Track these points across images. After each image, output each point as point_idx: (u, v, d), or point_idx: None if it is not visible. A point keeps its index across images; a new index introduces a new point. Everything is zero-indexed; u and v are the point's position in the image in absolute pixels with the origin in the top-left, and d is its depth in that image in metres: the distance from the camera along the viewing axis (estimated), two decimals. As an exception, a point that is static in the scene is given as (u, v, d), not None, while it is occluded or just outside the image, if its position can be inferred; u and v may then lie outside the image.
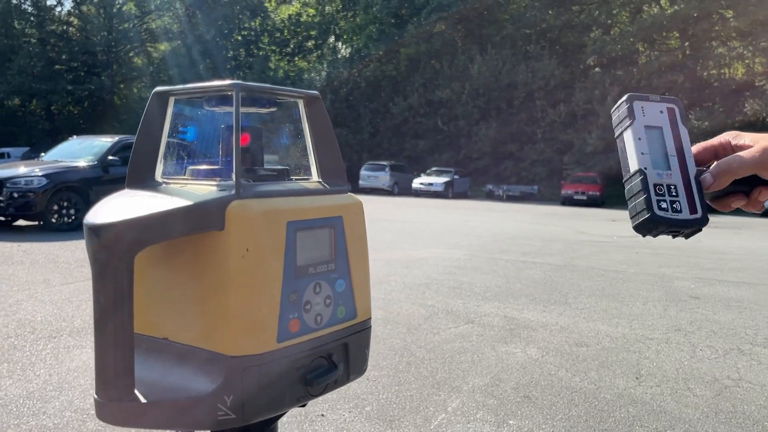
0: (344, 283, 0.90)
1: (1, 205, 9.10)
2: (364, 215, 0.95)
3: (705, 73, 29.49)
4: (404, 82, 34.68)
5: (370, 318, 0.96)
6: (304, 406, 0.89)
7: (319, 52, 40.69)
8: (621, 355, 4.03)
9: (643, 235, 0.77)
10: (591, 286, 6.35)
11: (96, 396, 0.77)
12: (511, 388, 3.36)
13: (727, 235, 13.09)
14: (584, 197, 24.00)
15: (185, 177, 0.91)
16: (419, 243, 9.52)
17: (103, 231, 0.74)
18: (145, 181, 0.90)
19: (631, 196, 0.76)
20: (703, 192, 0.76)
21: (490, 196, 27.43)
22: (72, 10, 44.74)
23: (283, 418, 2.84)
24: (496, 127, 31.10)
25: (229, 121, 0.86)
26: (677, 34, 30.38)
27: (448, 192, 26.42)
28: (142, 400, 0.77)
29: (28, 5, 43.58)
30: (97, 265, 0.75)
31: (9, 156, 32.01)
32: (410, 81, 34.40)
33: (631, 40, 30.36)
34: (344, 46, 37.86)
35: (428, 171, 28.60)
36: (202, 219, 0.77)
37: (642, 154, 0.77)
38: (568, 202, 24.21)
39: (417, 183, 27.01)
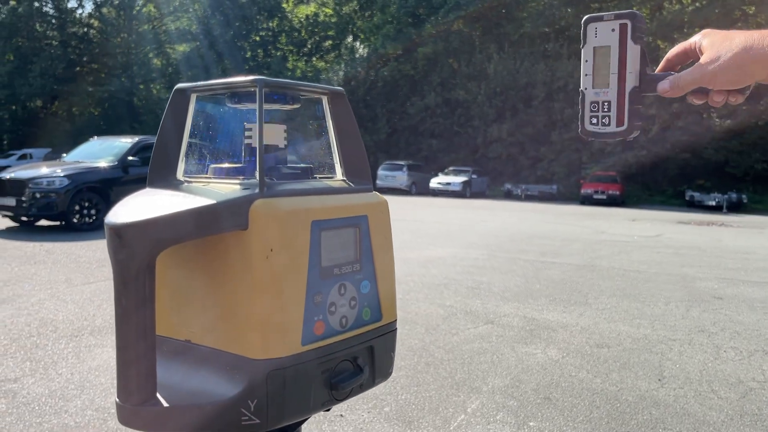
0: (369, 285, 0.88)
1: (24, 205, 9.23)
2: (389, 214, 0.93)
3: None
4: (421, 82, 34.58)
5: (396, 320, 0.94)
6: (328, 410, 0.86)
7: (337, 52, 40.74)
8: (643, 356, 3.98)
9: (587, 139, 0.88)
10: (611, 287, 6.28)
11: (118, 400, 0.76)
12: (531, 389, 3.33)
13: (751, 235, 12.90)
14: (604, 196, 23.76)
15: (207, 176, 0.89)
16: (437, 242, 9.49)
17: (124, 231, 0.73)
18: (166, 179, 0.88)
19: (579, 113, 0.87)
20: (635, 105, 0.83)
21: (509, 196, 27.26)
22: (92, 13, 45.26)
23: (303, 419, 2.83)
24: (514, 127, 30.90)
25: (252, 118, 0.84)
26: (698, 31, 29.97)
27: (465, 191, 26.30)
28: (165, 404, 0.76)
29: (50, 8, 44.17)
30: (118, 265, 0.73)
31: (31, 157, 32.46)
32: (427, 80, 34.29)
33: (651, 38, 30.02)
34: (361, 46, 37.84)
35: (446, 170, 28.49)
36: (225, 218, 0.75)
37: (585, 75, 0.86)
38: (588, 201, 23.99)
39: (434, 182, 26.91)
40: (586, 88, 0.86)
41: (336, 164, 0.96)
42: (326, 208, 0.82)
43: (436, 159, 32.33)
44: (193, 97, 0.89)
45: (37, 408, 2.88)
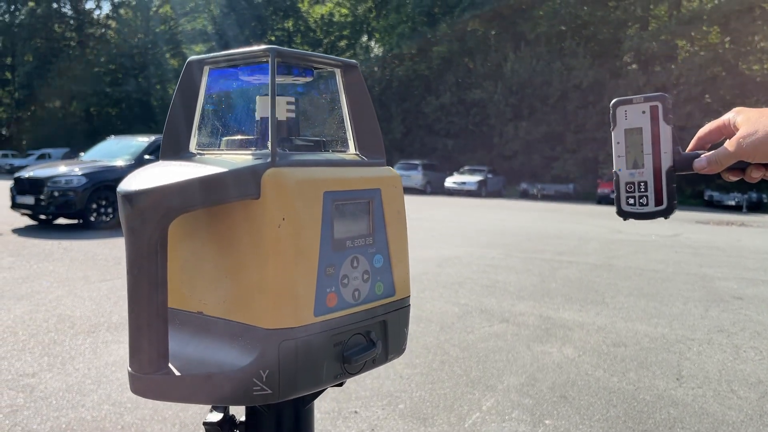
0: (382, 259, 0.88)
1: (42, 204, 9.32)
2: (402, 189, 0.92)
3: (746, 69, 28.72)
4: (437, 81, 34.54)
5: (409, 296, 0.93)
6: (341, 385, 0.86)
7: (352, 51, 40.82)
8: (661, 355, 3.93)
9: (624, 220, 0.90)
10: (629, 286, 6.21)
11: (130, 369, 0.76)
12: (547, 387, 3.30)
13: (770, 235, 12.73)
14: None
15: (220, 148, 0.89)
16: (452, 242, 9.46)
17: (137, 198, 0.73)
18: (178, 152, 0.88)
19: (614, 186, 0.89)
20: (672, 185, 0.85)
21: (525, 195, 27.14)
22: (110, 14, 45.75)
23: (317, 415, 2.84)
24: (530, 126, 30.77)
25: (265, 90, 0.83)
26: (717, 29, 29.62)
27: (481, 191, 26.21)
28: (177, 373, 0.76)
29: (68, 9, 44.70)
30: (130, 232, 0.73)
31: (50, 156, 32.87)
32: (443, 80, 34.25)
33: (669, 36, 29.73)
34: (377, 46, 37.88)
35: (461, 170, 28.41)
36: (237, 186, 0.74)
37: (618, 156, 0.88)
38: (605, 200, 23.79)
39: (450, 182, 26.85)
40: (620, 169, 0.88)
41: (349, 138, 0.95)
42: (339, 180, 0.82)
43: (452, 158, 32.28)
44: (206, 70, 0.89)
45: (54, 402, 2.90)
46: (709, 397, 3.23)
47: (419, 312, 4.81)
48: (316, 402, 3.14)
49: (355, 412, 2.91)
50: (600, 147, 29.08)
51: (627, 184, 0.87)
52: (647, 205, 0.86)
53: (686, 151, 0.86)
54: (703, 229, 13.71)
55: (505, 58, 32.46)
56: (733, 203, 23.03)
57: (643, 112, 0.86)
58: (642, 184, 0.86)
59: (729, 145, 0.80)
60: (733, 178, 0.85)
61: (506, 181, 29.54)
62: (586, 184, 28.36)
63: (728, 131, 0.83)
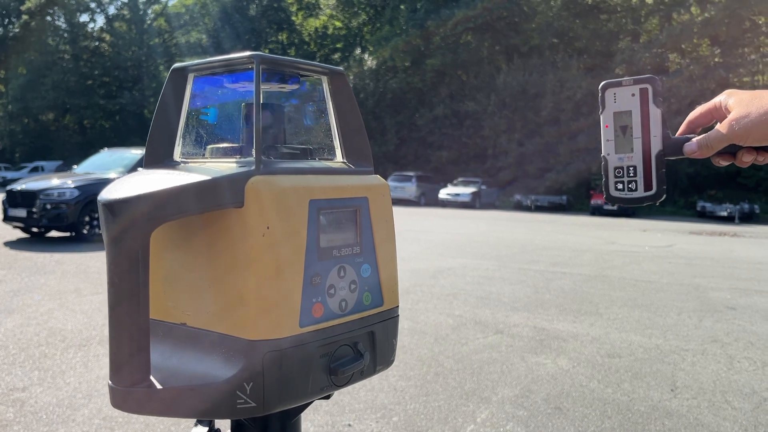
0: (370, 269, 0.87)
1: (35, 216, 9.28)
2: (390, 198, 0.91)
3: (737, 81, 28.95)
4: (430, 94, 34.66)
5: (398, 306, 0.92)
6: (328, 398, 0.84)
7: (346, 64, 40.97)
8: (655, 366, 3.93)
9: (613, 205, 0.88)
10: (623, 297, 6.22)
11: (110, 382, 0.74)
12: (541, 399, 3.28)
13: (763, 245, 12.79)
14: (614, 207, 23.66)
15: (205, 156, 0.88)
16: (446, 253, 9.46)
17: (118, 206, 0.71)
18: (162, 161, 0.87)
19: (601, 178, 0.87)
20: (662, 169, 0.83)
21: (518, 207, 27.19)
22: (104, 27, 45.80)
23: (310, 428, 2.81)
24: (523, 138, 30.88)
25: (250, 98, 0.83)
26: (708, 41, 29.91)
27: (475, 202, 26.25)
28: (158, 386, 0.74)
29: (62, 22, 44.74)
30: (111, 242, 0.71)
31: (43, 169, 32.81)
32: (436, 92, 34.37)
33: (660, 48, 29.97)
34: (370, 58, 38.01)
35: (455, 181, 28.46)
36: (220, 194, 0.73)
37: (607, 140, 0.85)
38: (598, 212, 23.88)
39: (444, 193, 26.88)
40: (608, 154, 0.86)
41: (336, 147, 0.94)
42: (325, 188, 0.81)
43: (445, 170, 32.32)
44: (191, 77, 0.88)
45: (44, 417, 2.87)
46: (703, 407, 3.22)
47: (413, 324, 4.79)
48: (309, 415, 3.12)
49: (349, 425, 2.89)
50: (593, 158, 29.15)
51: (616, 168, 0.85)
52: (636, 190, 0.84)
53: (676, 135, 0.84)
54: (696, 240, 13.76)
55: (498, 71, 32.61)
56: (725, 214, 23.13)
57: (633, 95, 0.84)
58: (631, 168, 0.84)
59: (721, 127, 0.78)
60: (724, 163, 0.83)
61: (500, 192, 29.60)
62: (580, 195, 28.44)
63: (719, 114, 0.81)
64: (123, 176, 0.82)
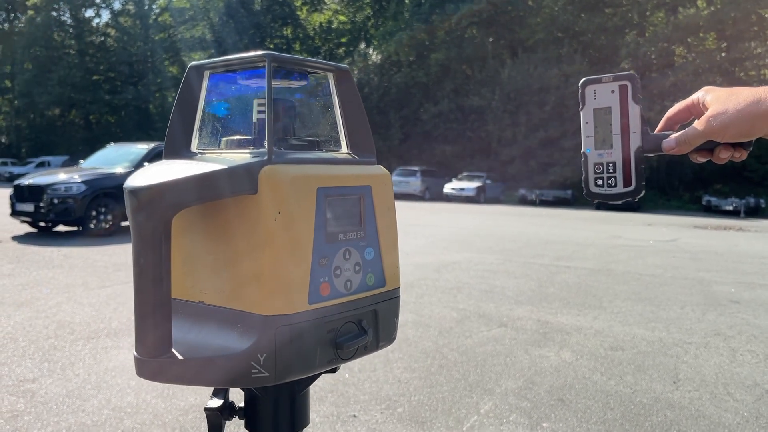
0: (373, 252, 0.92)
1: (42, 211, 9.34)
2: (392, 187, 0.98)
3: (743, 75, 28.83)
4: (434, 88, 34.63)
5: (399, 287, 0.98)
6: (334, 371, 0.91)
7: (350, 58, 40.95)
8: (658, 359, 3.96)
9: (592, 201, 0.89)
10: (627, 290, 6.24)
11: (135, 353, 0.81)
12: (544, 391, 3.32)
13: None
14: (619, 201, 23.57)
15: (220, 148, 0.94)
16: (451, 247, 9.49)
17: (142, 193, 0.77)
18: (180, 152, 0.93)
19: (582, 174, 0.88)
20: (641, 165, 0.84)
21: (523, 201, 27.17)
22: (110, 22, 45.87)
23: (315, 418, 2.86)
24: (528, 132, 30.83)
25: (262, 93, 0.89)
26: (714, 35, 29.77)
27: (480, 197, 26.25)
28: (179, 357, 0.81)
29: (68, 17, 44.81)
30: (136, 225, 0.78)
31: (49, 164, 32.91)
32: (441, 86, 34.34)
33: (665, 43, 29.85)
34: (375, 53, 38.00)
35: (459, 176, 28.45)
36: (236, 182, 0.79)
37: (587, 137, 0.86)
38: (603, 206, 23.79)
39: (448, 188, 26.88)
40: (588, 150, 0.86)
41: (341, 140, 1.00)
42: (331, 177, 0.87)
43: (450, 164, 32.31)
44: (206, 74, 0.94)
45: (54, 407, 2.91)
46: (705, 400, 3.25)
47: (418, 317, 4.83)
48: (315, 405, 3.16)
49: (354, 416, 2.93)
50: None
51: (595, 165, 0.86)
52: (616, 186, 0.85)
53: (655, 131, 0.85)
54: (701, 234, 13.75)
55: (503, 65, 32.55)
56: (730, 208, 23.08)
57: (612, 92, 0.85)
58: (611, 164, 0.85)
59: (698, 124, 0.79)
60: (702, 160, 0.84)
61: (504, 186, 29.58)
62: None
63: (697, 111, 0.82)
64: (140, 168, 0.88)
